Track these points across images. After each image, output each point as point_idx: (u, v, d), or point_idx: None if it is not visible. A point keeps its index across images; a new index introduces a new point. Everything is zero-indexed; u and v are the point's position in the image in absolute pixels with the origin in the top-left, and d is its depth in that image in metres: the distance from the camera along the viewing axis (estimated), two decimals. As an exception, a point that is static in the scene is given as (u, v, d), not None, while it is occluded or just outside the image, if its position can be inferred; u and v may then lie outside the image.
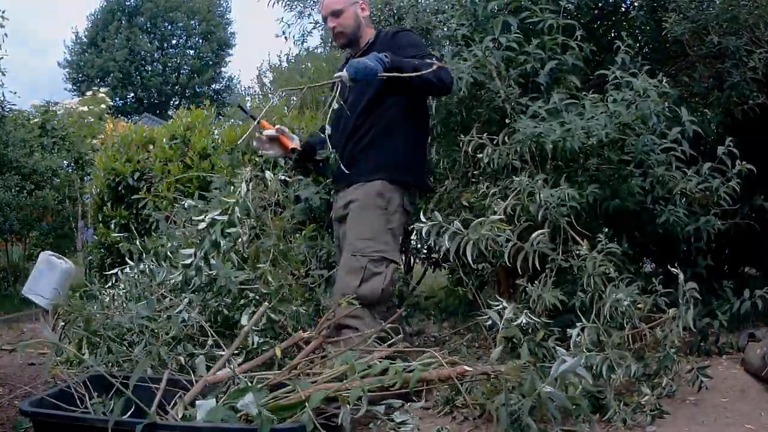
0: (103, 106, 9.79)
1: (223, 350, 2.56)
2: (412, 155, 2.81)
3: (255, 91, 14.53)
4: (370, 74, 2.42)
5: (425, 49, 2.74)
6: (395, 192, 2.76)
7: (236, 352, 2.60)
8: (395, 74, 2.50)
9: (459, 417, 2.58)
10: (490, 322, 2.53)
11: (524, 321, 2.43)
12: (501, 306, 2.51)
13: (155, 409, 1.91)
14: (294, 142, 2.95)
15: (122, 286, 3.18)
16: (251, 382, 2.14)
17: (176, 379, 2.24)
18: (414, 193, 2.93)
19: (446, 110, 3.55)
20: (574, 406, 2.13)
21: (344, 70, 2.50)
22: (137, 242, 3.39)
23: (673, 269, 2.74)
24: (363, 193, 2.74)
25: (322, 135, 2.62)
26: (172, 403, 2.05)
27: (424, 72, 2.51)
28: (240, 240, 2.91)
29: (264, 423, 1.77)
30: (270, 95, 13.44)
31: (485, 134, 3.29)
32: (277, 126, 2.98)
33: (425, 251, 5.30)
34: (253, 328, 2.68)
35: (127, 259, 3.38)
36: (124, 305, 2.95)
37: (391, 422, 2.34)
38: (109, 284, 3.37)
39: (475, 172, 3.42)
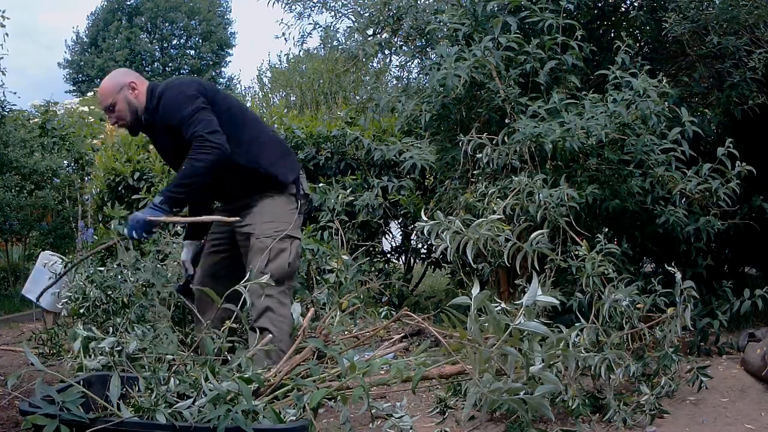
0: (104, 106, 9.80)
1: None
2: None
3: (255, 92, 14.53)
4: (145, 230, 2.63)
5: (187, 104, 2.65)
6: None
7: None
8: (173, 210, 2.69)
9: (451, 418, 2.58)
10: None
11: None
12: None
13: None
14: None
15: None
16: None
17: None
18: None
19: (441, 104, 3.53)
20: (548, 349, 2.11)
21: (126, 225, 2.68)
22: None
23: (671, 268, 2.74)
24: None
25: None
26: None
27: (188, 174, 2.63)
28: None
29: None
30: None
31: (485, 134, 3.29)
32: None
33: (425, 251, 5.31)
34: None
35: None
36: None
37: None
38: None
39: (474, 172, 3.42)
